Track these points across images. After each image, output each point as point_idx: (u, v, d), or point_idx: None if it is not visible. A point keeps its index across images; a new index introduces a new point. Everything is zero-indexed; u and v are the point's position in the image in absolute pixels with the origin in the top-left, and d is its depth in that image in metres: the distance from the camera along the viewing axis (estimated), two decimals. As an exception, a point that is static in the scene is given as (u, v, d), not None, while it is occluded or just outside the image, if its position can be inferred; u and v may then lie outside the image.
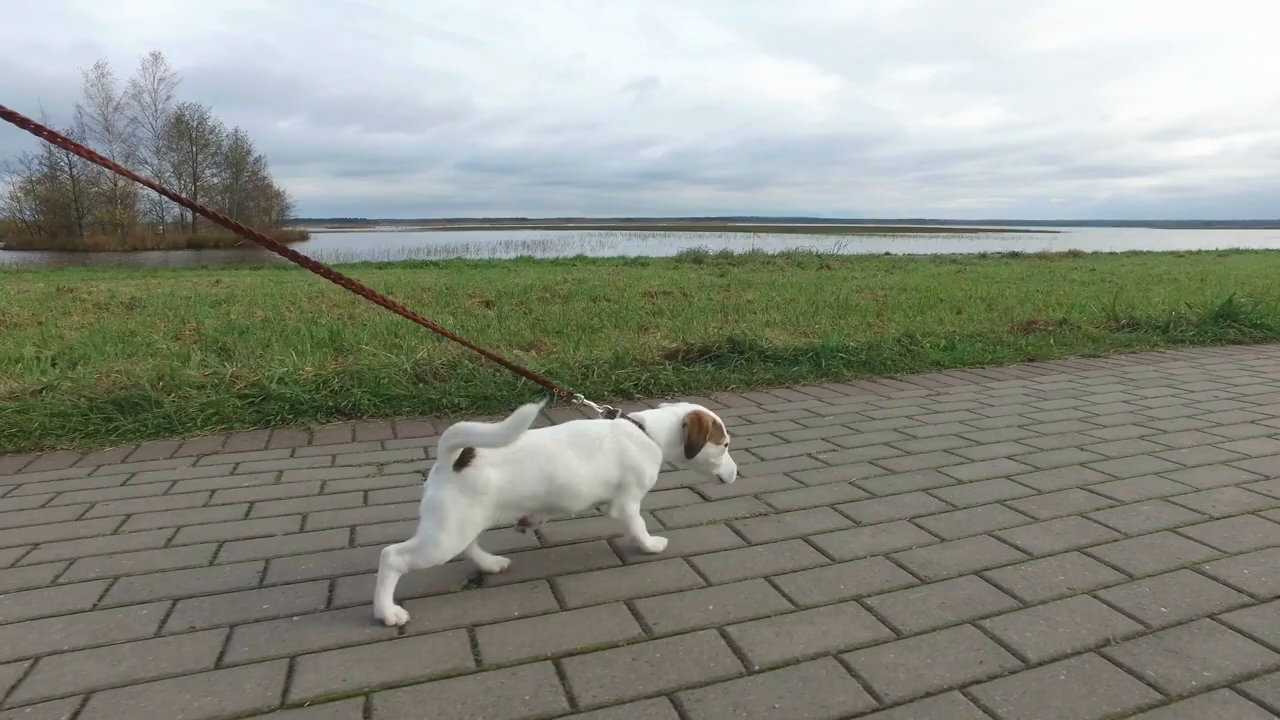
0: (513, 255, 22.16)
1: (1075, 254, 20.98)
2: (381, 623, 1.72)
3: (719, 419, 2.13)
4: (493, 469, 1.78)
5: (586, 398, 2.17)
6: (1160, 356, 5.14)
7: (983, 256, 20.52)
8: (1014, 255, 20.59)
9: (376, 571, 1.76)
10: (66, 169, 50.53)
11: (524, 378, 2.41)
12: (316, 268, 1.99)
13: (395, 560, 1.73)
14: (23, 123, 1.62)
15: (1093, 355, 5.19)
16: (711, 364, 4.56)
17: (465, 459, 1.76)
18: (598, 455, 1.93)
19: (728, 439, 2.14)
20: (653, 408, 2.14)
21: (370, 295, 1.99)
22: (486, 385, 3.89)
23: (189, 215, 59.98)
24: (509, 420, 1.69)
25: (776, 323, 6.16)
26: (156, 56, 58.61)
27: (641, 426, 2.02)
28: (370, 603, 1.77)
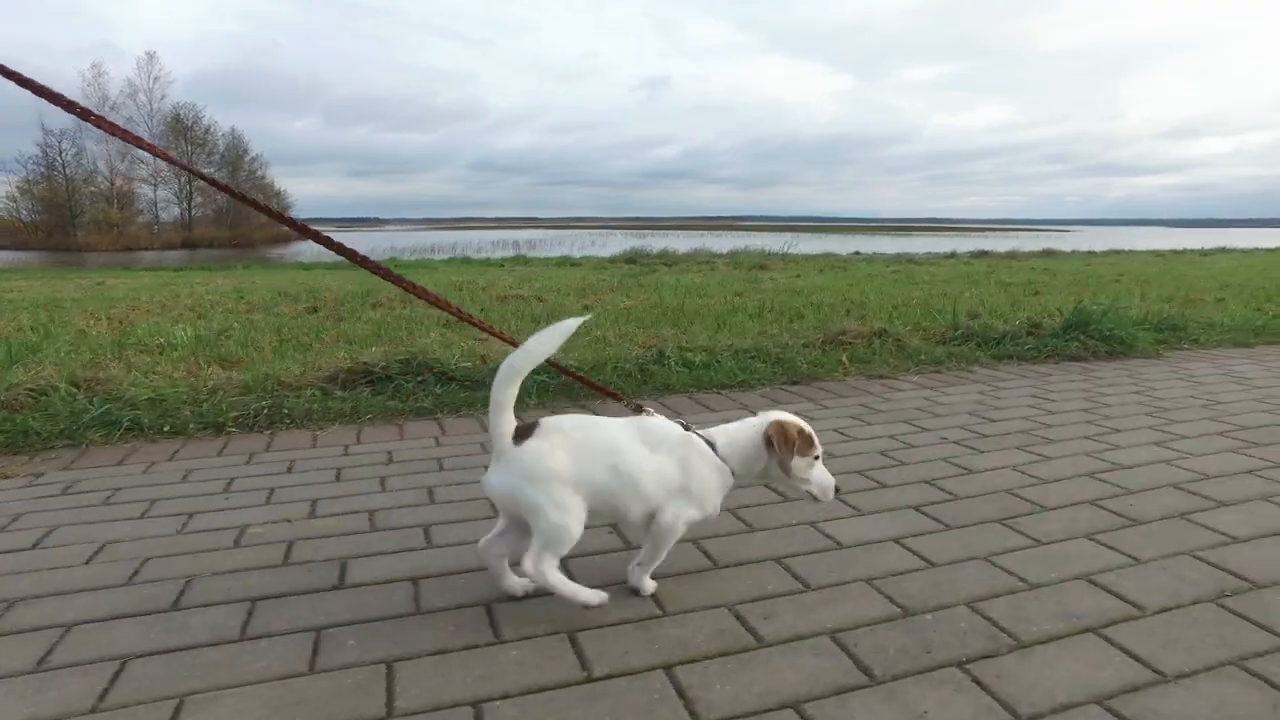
0: (505, 254, 21.31)
1: (1049, 253, 19.91)
2: (586, 607, 1.65)
3: (807, 427, 1.83)
4: (549, 441, 1.62)
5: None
6: (958, 378, 4.24)
7: (950, 256, 19.51)
8: (981, 254, 19.55)
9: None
10: (61, 169, 50.76)
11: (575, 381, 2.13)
12: (354, 256, 1.83)
13: (536, 567, 1.59)
14: (58, 100, 1.61)
15: (884, 376, 4.30)
16: (369, 387, 3.75)
17: (526, 432, 1.63)
18: (661, 451, 1.73)
19: (819, 450, 1.84)
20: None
21: (419, 291, 1.85)
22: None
23: (185, 215, 60.16)
24: (551, 329, 1.61)
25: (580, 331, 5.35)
26: (152, 56, 58.84)
27: (713, 446, 1.79)
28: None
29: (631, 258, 16.31)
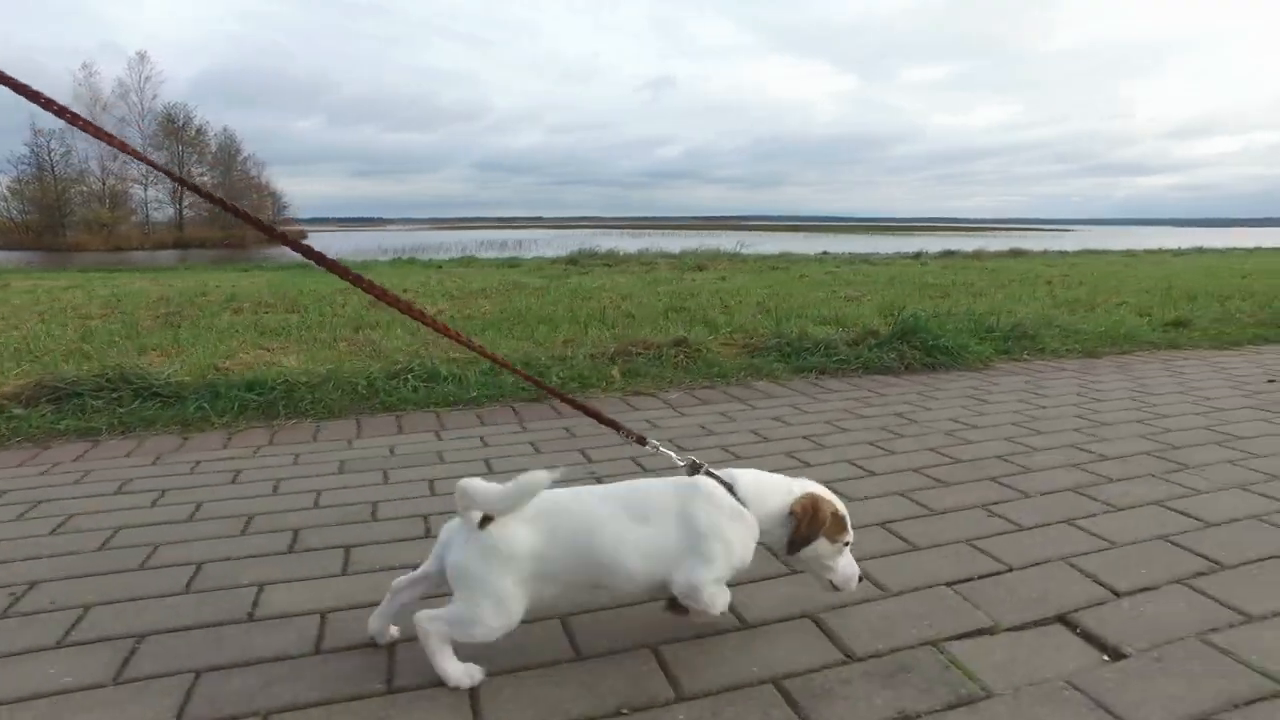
0: (492, 254, 20.85)
1: (1015, 252, 19.42)
2: (456, 687, 1.45)
3: (843, 510, 1.60)
4: (524, 526, 1.45)
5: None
6: (718, 397, 3.89)
7: (916, 255, 19.07)
8: (948, 254, 19.10)
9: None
10: (50, 169, 50.93)
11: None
12: (321, 260, 1.62)
13: (426, 627, 1.45)
14: (34, 97, 1.49)
15: (645, 392, 3.95)
16: (54, 405, 3.45)
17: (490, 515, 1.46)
18: (652, 519, 1.49)
19: (850, 537, 1.60)
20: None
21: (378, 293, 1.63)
22: None
23: (178, 215, 60.29)
24: (512, 485, 1.40)
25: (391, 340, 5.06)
26: (143, 55, 58.68)
27: (731, 489, 1.54)
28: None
29: (574, 258, 15.98)
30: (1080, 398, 3.76)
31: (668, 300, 7.54)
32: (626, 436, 1.73)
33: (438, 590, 1.53)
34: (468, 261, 17.28)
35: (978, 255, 18.42)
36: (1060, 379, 4.22)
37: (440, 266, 15.66)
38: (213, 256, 39.71)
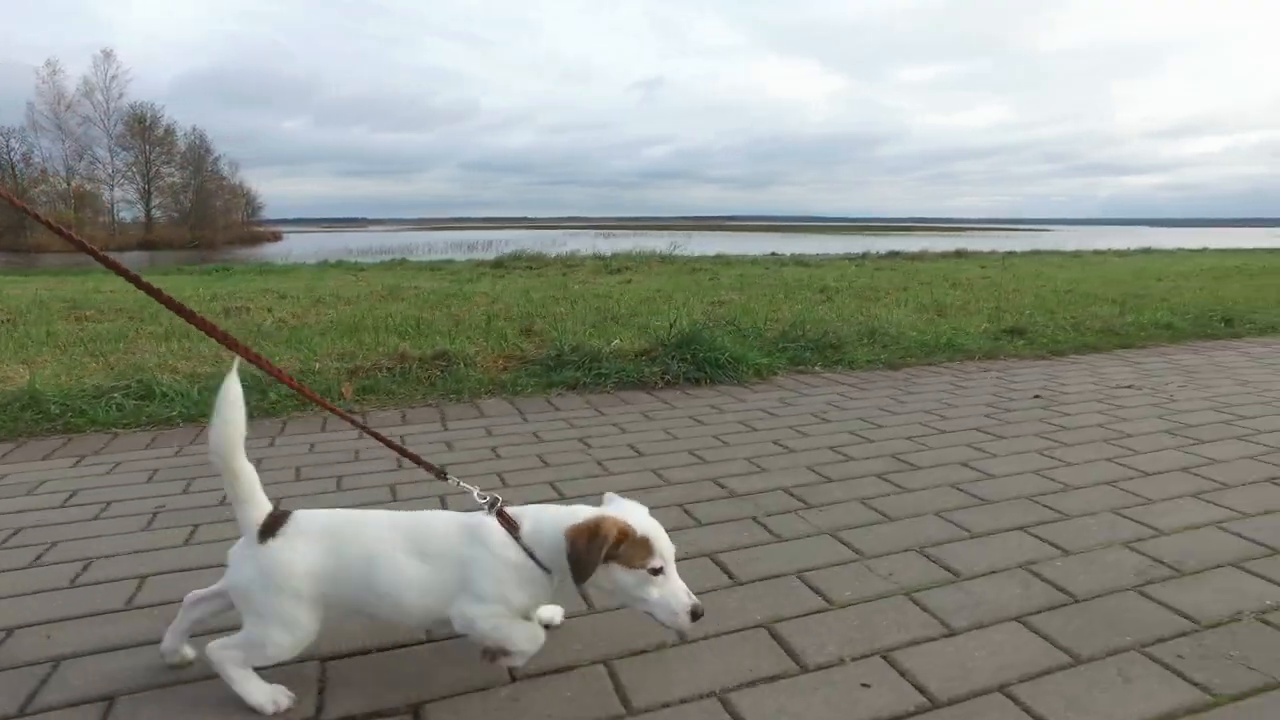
0: (483, 255, 20.29)
1: (960, 253, 19.26)
2: (260, 712, 1.39)
3: (652, 534, 1.44)
4: (307, 543, 1.40)
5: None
6: (430, 415, 3.65)
7: (862, 256, 18.91)
8: (892, 254, 18.95)
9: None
10: (9, 168, 50.28)
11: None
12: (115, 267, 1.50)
13: (219, 656, 1.40)
14: None
15: (362, 410, 3.71)
16: None
17: (273, 526, 1.40)
18: (431, 557, 1.43)
19: (657, 563, 1.43)
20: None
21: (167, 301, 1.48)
22: None
23: (145, 216, 59.68)
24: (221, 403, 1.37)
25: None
26: (108, 54, 57.89)
27: (516, 530, 1.46)
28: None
29: (500, 261, 15.72)
30: (813, 417, 3.53)
31: (534, 306, 7.29)
32: (429, 471, 1.65)
33: (233, 607, 1.47)
34: (399, 264, 17.00)
35: (920, 256, 18.25)
36: (817, 394, 3.99)
37: (362, 269, 15.39)
38: (180, 258, 39.25)
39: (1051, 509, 2.38)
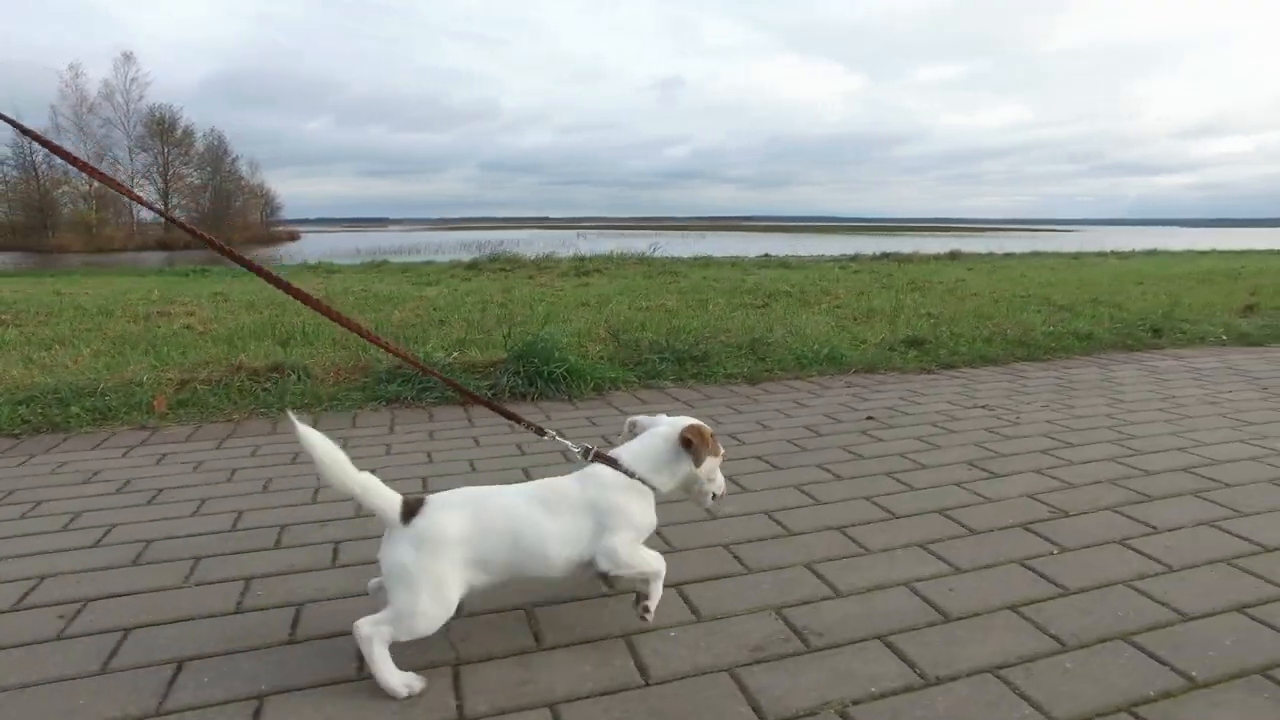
0: (469, 255, 20.13)
1: (954, 254, 18.78)
2: (393, 697, 1.52)
3: (706, 428, 1.81)
4: (449, 514, 1.58)
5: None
6: (222, 432, 3.49)
7: (852, 258, 18.53)
8: (883, 256, 18.51)
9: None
10: (33, 170, 51.50)
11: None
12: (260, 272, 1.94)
13: (369, 632, 1.52)
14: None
15: (173, 424, 3.56)
16: None
17: (413, 509, 1.58)
18: (563, 510, 1.66)
19: (722, 452, 1.87)
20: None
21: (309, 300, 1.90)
22: None
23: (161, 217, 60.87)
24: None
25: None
26: (128, 56, 59.02)
27: (616, 464, 1.73)
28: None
29: (475, 263, 15.60)
30: (603, 440, 3.30)
31: (444, 312, 7.11)
32: (528, 428, 1.94)
33: None
34: (379, 266, 16.98)
35: (910, 258, 17.80)
36: (637, 411, 3.75)
37: (334, 271, 15.38)
38: (200, 258, 39.79)
39: (782, 525, 2.13)
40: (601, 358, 4.63)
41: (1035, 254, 20.07)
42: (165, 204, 59.31)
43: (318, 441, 1.49)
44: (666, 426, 1.78)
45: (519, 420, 1.93)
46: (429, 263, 17.59)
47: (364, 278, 13.45)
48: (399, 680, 1.52)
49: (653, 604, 1.70)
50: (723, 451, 1.85)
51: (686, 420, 1.78)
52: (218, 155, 60.88)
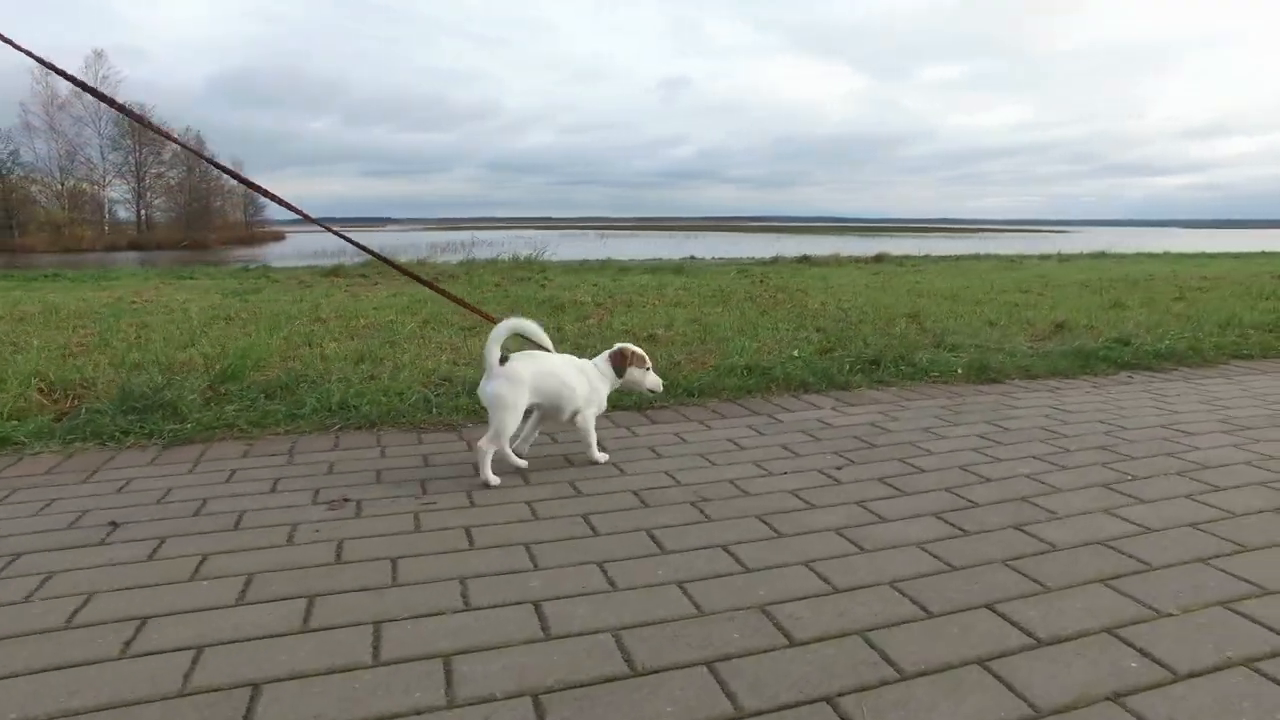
0: (452, 256, 19.62)
1: (880, 257, 18.03)
2: (486, 485, 2.70)
3: (639, 350, 3.07)
4: (522, 363, 2.72)
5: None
6: None
7: (772, 261, 17.83)
8: (804, 258, 17.81)
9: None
10: (-2, 168, 51.51)
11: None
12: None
13: (486, 445, 2.71)
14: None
15: None
16: None
17: (504, 360, 2.69)
18: (581, 374, 2.88)
19: (649, 363, 3.09)
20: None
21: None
22: None
23: (138, 216, 60.77)
24: (517, 322, 2.78)
25: None
26: (99, 54, 58.52)
27: (596, 366, 2.98)
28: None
29: (335, 270, 14.94)
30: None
31: (199, 324, 6.50)
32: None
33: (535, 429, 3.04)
34: (254, 272, 16.42)
35: (827, 261, 17.10)
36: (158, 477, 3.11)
37: (194, 279, 14.86)
38: (172, 259, 39.48)
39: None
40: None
41: (975, 256, 19.29)
42: (138, 204, 59.36)
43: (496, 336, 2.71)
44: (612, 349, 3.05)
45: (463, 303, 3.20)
46: (313, 268, 16.88)
47: (235, 283, 12.84)
48: (493, 476, 2.71)
49: (592, 455, 2.97)
50: (647, 365, 3.06)
51: (619, 345, 3.06)
52: (192, 155, 60.67)
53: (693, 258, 20.65)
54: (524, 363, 2.70)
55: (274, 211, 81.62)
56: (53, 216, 52.80)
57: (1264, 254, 21.24)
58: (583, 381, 2.84)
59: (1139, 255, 19.31)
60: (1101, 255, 18.96)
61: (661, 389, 3.15)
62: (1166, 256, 18.86)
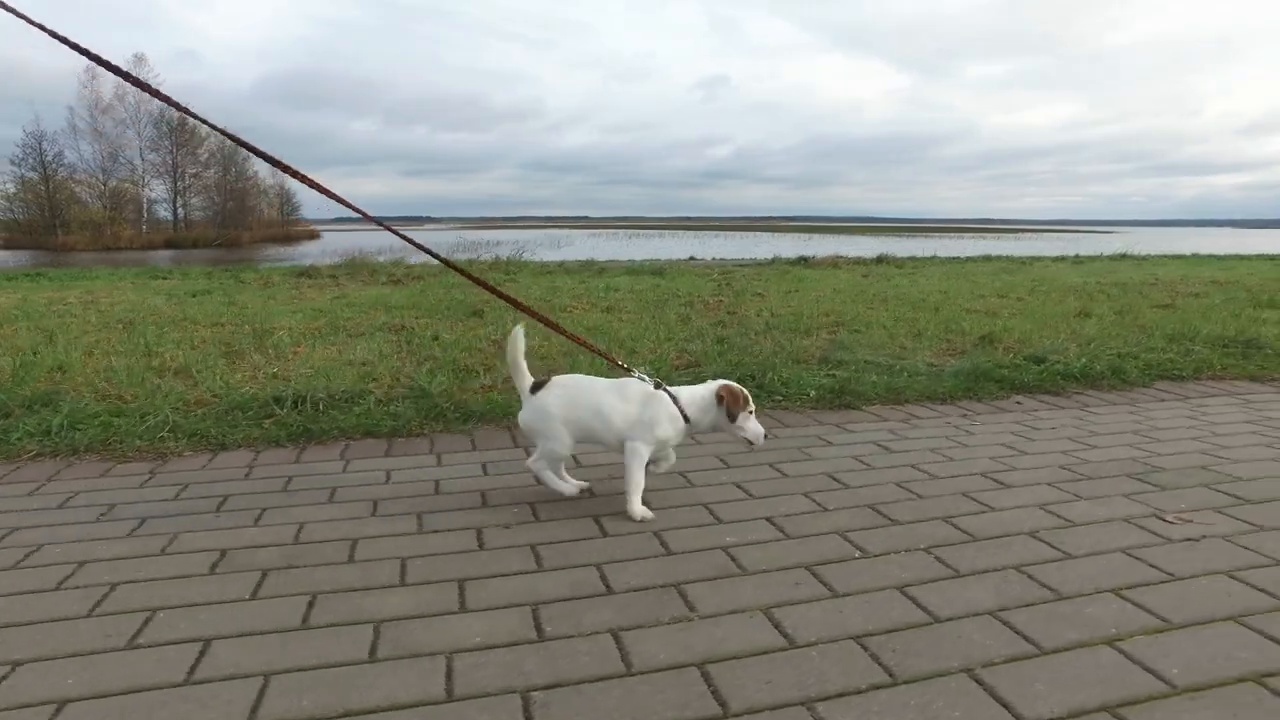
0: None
1: (835, 260, 17.26)
2: (563, 495, 2.68)
3: (744, 391, 2.65)
4: (553, 393, 2.57)
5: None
6: None
7: (772, 261, 17.28)
8: (800, 260, 17.19)
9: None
10: (42, 169, 53.46)
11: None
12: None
13: (536, 465, 2.65)
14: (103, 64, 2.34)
15: None
16: None
17: (537, 386, 2.60)
18: (631, 402, 2.55)
19: (752, 407, 2.65)
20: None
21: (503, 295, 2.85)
22: None
23: (173, 215, 62.60)
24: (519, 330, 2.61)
25: None
26: (140, 58, 60.20)
27: (675, 400, 2.58)
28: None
29: (306, 271, 14.86)
30: None
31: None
32: (620, 365, 2.86)
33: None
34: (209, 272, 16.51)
35: (806, 261, 16.45)
36: None
37: (159, 278, 14.95)
38: (207, 257, 40.46)
39: None
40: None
41: (986, 258, 18.41)
42: (174, 203, 61.07)
43: (514, 339, 2.58)
44: (714, 383, 2.65)
45: (613, 360, 2.96)
46: (313, 268, 16.93)
47: (194, 285, 12.88)
48: (564, 487, 2.67)
49: (628, 506, 2.53)
50: (751, 409, 2.62)
51: (724, 381, 2.66)
52: (228, 154, 62.29)
53: (692, 258, 20.17)
54: (554, 393, 2.56)
55: (310, 210, 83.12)
56: (93, 216, 54.59)
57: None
58: (631, 413, 2.52)
59: (1163, 257, 18.20)
60: (1123, 257, 17.92)
61: (763, 443, 2.63)
62: (1193, 259, 17.72)
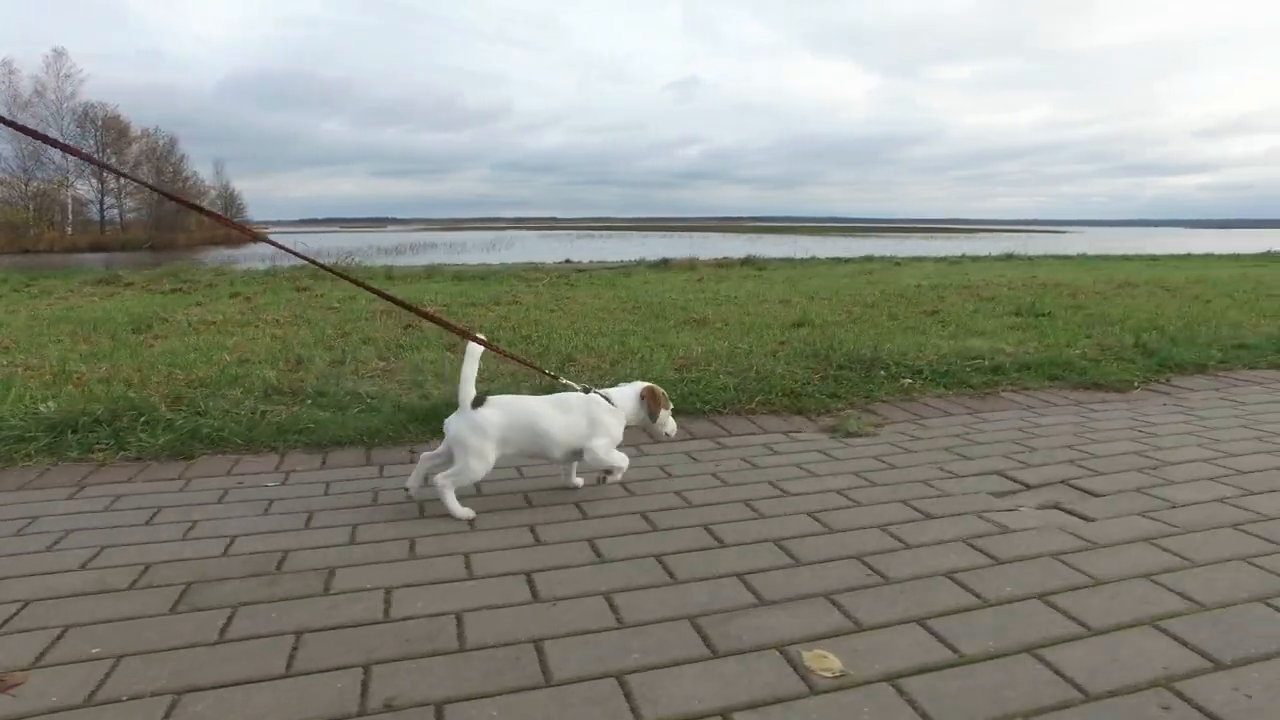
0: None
1: (748, 260, 16.69)
2: (463, 520, 2.50)
3: (663, 390, 2.89)
4: (494, 412, 2.53)
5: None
6: None
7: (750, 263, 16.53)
8: (748, 262, 16.53)
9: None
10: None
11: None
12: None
13: (443, 482, 2.51)
14: None
15: None
16: None
17: (479, 402, 2.53)
18: (572, 413, 2.63)
19: (670, 405, 2.89)
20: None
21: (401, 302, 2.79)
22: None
23: (102, 217, 60.78)
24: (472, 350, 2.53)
25: None
26: (60, 53, 57.91)
27: (608, 399, 2.71)
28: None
29: (177, 285, 13.78)
30: None
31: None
32: (547, 374, 2.92)
33: (447, 464, 2.55)
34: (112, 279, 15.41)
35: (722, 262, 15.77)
36: None
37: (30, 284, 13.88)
38: (131, 259, 38.70)
39: None
40: None
41: (917, 259, 17.91)
42: (102, 204, 59.24)
43: (471, 355, 2.52)
44: (637, 383, 2.85)
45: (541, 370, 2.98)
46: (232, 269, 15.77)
47: (91, 290, 11.78)
48: (462, 510, 2.52)
49: (614, 477, 2.73)
50: (669, 407, 2.89)
51: (645, 383, 2.88)
52: (161, 155, 60.59)
53: (568, 260, 19.32)
54: (496, 412, 2.53)
55: (255, 213, 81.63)
56: (11, 217, 52.70)
57: (1266, 255, 19.72)
58: (575, 423, 2.62)
59: (1109, 257, 17.89)
60: (1009, 257, 17.63)
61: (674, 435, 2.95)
62: (1140, 260, 17.39)
